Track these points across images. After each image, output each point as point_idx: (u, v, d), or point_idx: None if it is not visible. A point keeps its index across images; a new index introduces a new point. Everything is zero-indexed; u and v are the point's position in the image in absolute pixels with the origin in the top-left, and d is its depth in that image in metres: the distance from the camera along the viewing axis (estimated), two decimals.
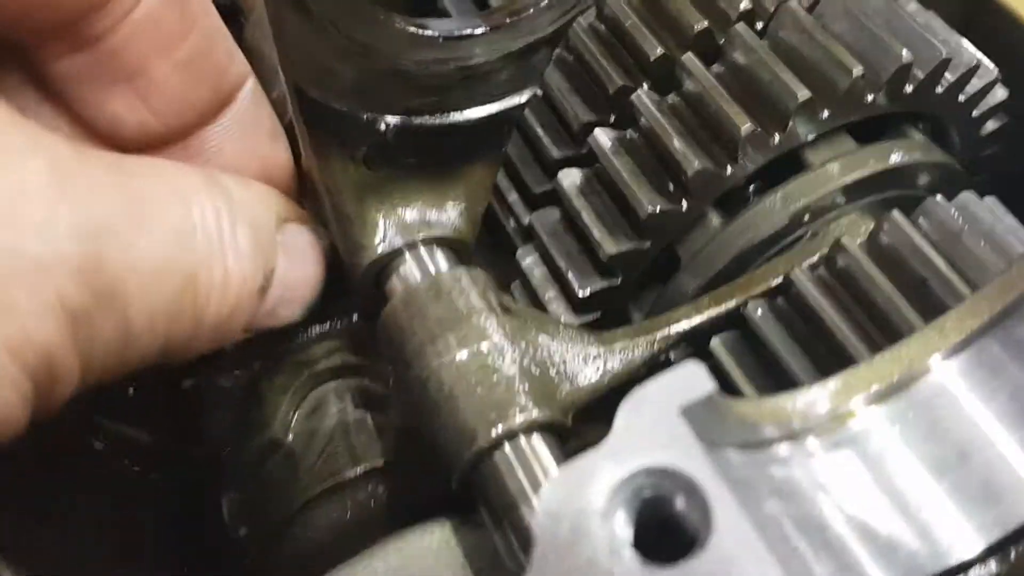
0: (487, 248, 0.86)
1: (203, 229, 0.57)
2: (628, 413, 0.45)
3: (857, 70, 0.71)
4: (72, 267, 0.46)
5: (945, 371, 0.57)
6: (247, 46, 0.92)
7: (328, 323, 0.80)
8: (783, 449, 0.54)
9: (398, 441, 0.75)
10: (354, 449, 0.74)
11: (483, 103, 0.70)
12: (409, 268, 0.74)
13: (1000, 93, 0.84)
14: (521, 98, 0.71)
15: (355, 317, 0.81)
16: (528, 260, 0.83)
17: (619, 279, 0.78)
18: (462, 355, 0.67)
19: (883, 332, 0.70)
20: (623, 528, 0.43)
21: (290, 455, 0.76)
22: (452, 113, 0.71)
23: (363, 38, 0.62)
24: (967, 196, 0.75)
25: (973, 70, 0.79)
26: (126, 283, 0.49)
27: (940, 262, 0.70)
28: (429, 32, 0.64)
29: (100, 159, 0.54)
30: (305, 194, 0.79)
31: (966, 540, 0.53)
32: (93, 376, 0.51)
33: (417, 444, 0.72)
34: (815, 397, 0.57)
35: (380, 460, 0.74)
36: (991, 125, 0.87)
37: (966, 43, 0.81)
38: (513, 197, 0.93)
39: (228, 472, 0.79)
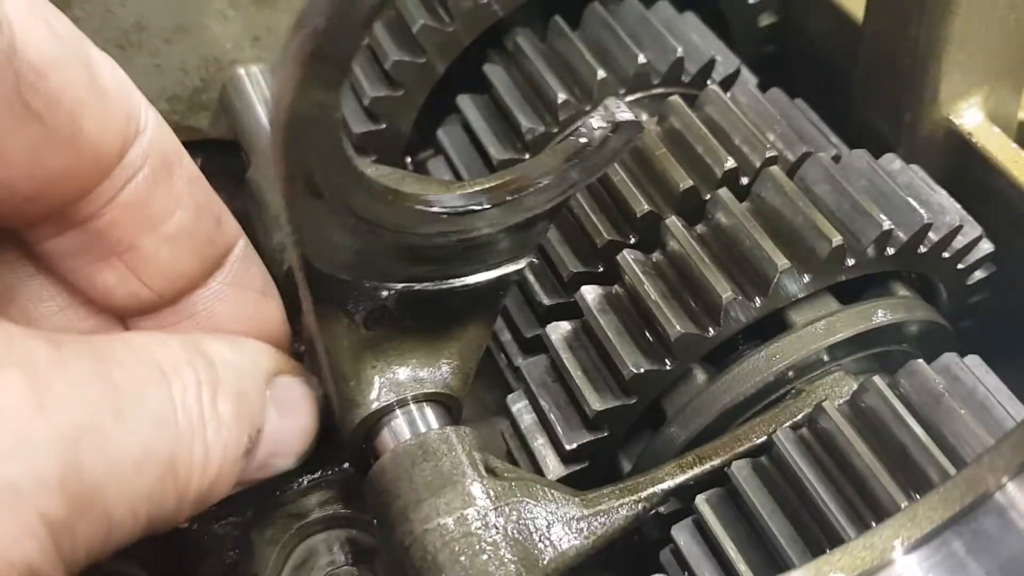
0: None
1: (183, 408, 0.58)
2: None
3: (836, 240, 0.73)
4: (52, 483, 0.47)
5: (906, 568, 0.57)
6: (249, 189, 0.96)
7: (319, 472, 0.81)
8: None
9: None
10: None
11: (482, 271, 0.72)
12: (399, 425, 0.75)
13: (985, 247, 0.85)
14: (519, 265, 0.73)
15: (346, 465, 0.83)
16: (518, 405, 0.84)
17: (606, 432, 0.79)
18: (447, 521, 0.68)
19: (863, 498, 0.70)
20: None
21: None
22: (452, 280, 0.73)
23: (373, 217, 0.64)
24: (949, 358, 0.76)
25: (956, 230, 0.81)
26: (107, 485, 0.51)
27: (919, 430, 0.71)
28: (435, 209, 0.67)
29: (79, 354, 0.54)
30: (302, 343, 0.82)
31: None
32: (76, 568, 0.52)
33: None
34: None
35: None
36: (978, 275, 0.88)
37: (949, 201, 0.83)
38: (506, 337, 0.96)
39: None
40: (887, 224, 0.75)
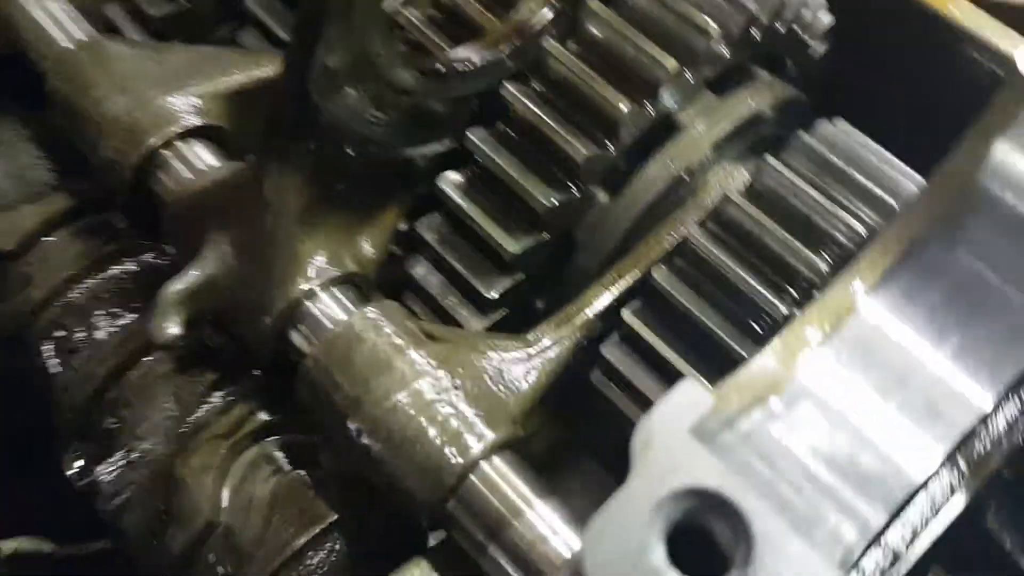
0: None
1: None
2: (642, 445, 0.45)
3: (714, 30, 0.73)
4: None
5: (869, 308, 0.61)
6: (54, 101, 0.83)
7: (230, 386, 0.74)
8: (756, 416, 0.56)
9: (344, 490, 0.72)
10: (302, 511, 0.70)
11: (415, 144, 0.69)
12: (318, 314, 0.70)
13: (826, 19, 0.88)
14: (441, 147, 0.69)
15: (257, 372, 0.76)
16: (420, 270, 0.81)
17: (524, 275, 0.78)
18: (402, 397, 0.65)
19: (782, 273, 0.73)
20: (662, 560, 0.44)
21: (229, 533, 0.71)
22: (397, 150, 0.69)
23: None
24: (825, 126, 0.79)
25: (803, 3, 0.83)
26: None
27: (818, 195, 0.74)
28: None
29: None
30: None
31: (923, 459, 0.58)
32: None
33: (366, 490, 0.70)
34: (764, 362, 0.59)
35: (332, 515, 0.71)
36: (820, 48, 0.91)
37: None
38: None
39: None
40: (754, 8, 0.76)
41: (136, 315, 0.78)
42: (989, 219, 0.63)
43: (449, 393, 0.66)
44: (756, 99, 0.81)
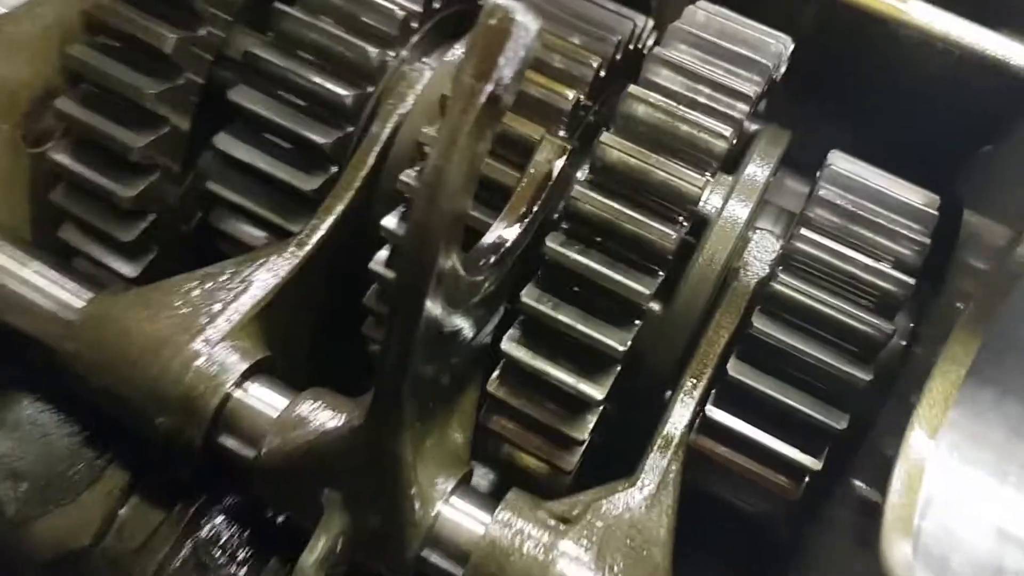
0: None
1: None
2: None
3: (727, 130, 0.74)
4: None
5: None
6: None
7: None
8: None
9: None
10: None
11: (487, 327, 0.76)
12: (453, 536, 0.70)
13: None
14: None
15: None
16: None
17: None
18: None
19: (845, 337, 0.77)
20: None
21: None
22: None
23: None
24: (832, 167, 0.82)
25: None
26: None
27: (853, 253, 0.78)
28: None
29: None
30: None
31: None
32: None
33: None
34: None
35: None
36: None
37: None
38: None
39: None
40: (754, 88, 0.77)
41: (247, 565, 0.77)
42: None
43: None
44: (764, 162, 0.83)
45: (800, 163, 0.89)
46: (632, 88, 0.76)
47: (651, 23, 0.88)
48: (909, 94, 0.92)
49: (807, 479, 0.78)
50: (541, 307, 0.76)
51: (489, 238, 0.71)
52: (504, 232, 0.71)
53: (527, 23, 0.51)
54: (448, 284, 0.59)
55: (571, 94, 0.77)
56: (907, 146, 0.89)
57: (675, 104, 0.76)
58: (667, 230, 0.73)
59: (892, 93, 0.93)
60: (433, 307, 0.58)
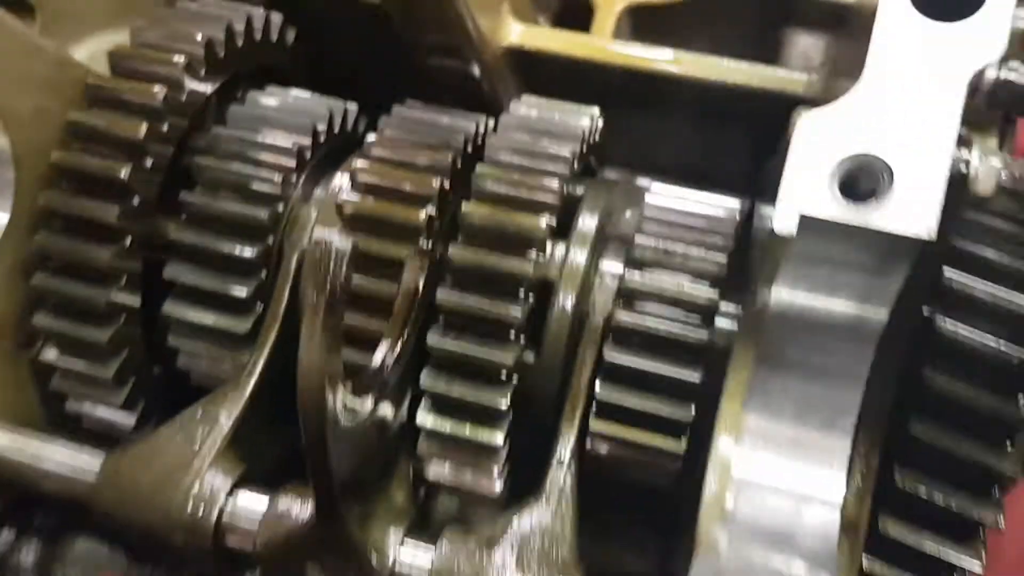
0: None
1: None
2: None
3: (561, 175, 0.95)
4: None
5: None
6: None
7: None
8: None
9: None
10: None
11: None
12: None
13: None
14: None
15: None
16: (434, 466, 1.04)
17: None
18: None
19: (681, 346, 0.98)
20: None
21: None
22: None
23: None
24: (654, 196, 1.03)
25: None
26: None
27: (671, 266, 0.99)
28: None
29: None
30: None
31: None
32: None
33: None
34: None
35: None
36: None
37: None
38: None
39: None
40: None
41: None
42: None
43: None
44: (591, 215, 1.03)
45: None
46: (464, 205, 0.97)
47: (492, 121, 1.08)
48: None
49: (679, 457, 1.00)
50: (439, 385, 0.98)
51: (375, 361, 0.93)
52: (384, 355, 0.93)
53: (342, 246, 0.73)
54: (345, 410, 0.82)
55: (422, 214, 0.98)
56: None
57: (502, 193, 0.96)
58: (512, 309, 0.95)
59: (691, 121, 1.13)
60: (334, 431, 0.80)
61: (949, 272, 0.82)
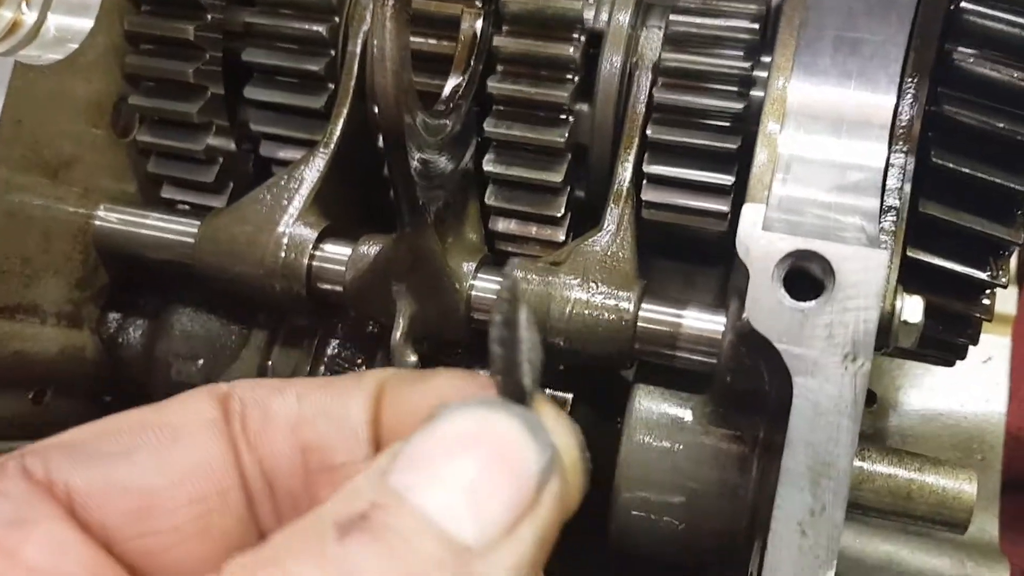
0: None
1: None
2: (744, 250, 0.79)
3: None
4: None
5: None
6: None
7: None
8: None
9: None
10: None
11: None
12: (487, 294, 1.03)
13: None
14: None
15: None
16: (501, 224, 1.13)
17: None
18: (572, 308, 0.99)
19: (727, 81, 1.05)
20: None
21: None
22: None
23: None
24: None
25: None
26: None
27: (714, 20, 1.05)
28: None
29: None
30: None
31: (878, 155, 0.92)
32: None
33: None
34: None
35: None
36: None
37: None
38: None
39: None
40: None
41: (363, 366, 1.11)
42: None
43: (596, 288, 1.00)
44: None
45: None
46: None
47: None
48: None
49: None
50: (499, 130, 1.06)
51: (445, 92, 1.01)
52: (453, 84, 1.01)
53: None
54: (419, 125, 0.90)
55: None
56: None
57: None
58: (566, 46, 1.02)
59: None
60: (412, 137, 0.88)
61: None
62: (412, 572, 0.47)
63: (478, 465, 0.53)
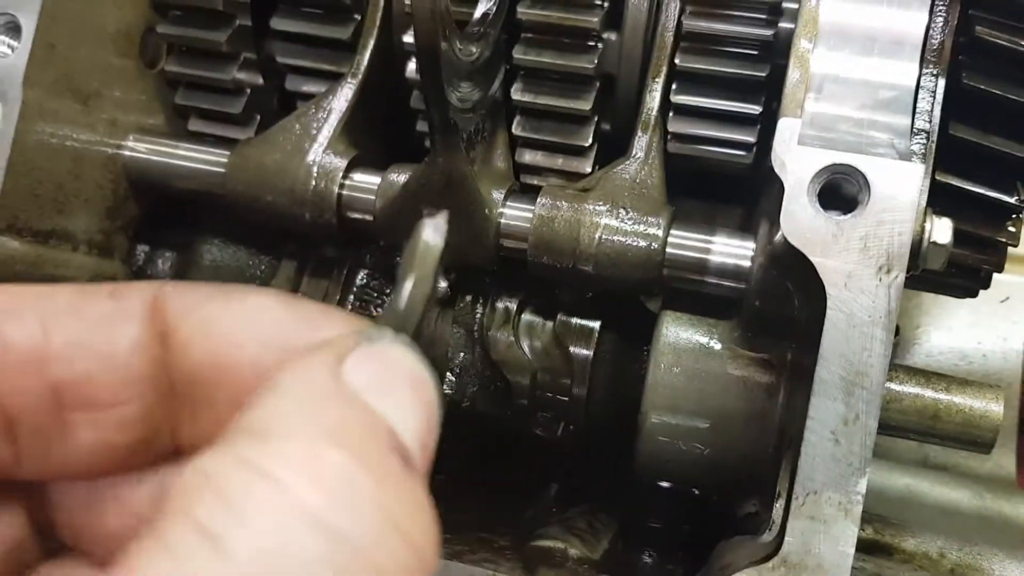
0: None
1: None
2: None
3: None
4: None
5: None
6: None
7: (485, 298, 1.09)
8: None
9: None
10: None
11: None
12: (517, 223, 1.03)
13: None
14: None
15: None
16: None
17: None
18: (601, 235, 1.00)
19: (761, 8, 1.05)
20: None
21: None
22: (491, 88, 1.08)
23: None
24: None
25: None
26: None
27: None
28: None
29: None
30: None
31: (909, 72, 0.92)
32: None
33: None
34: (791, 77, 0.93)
35: None
36: None
37: None
38: None
39: None
40: None
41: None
42: None
43: (625, 214, 1.00)
44: None
45: None
46: None
47: None
48: None
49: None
50: (528, 56, 1.06)
51: (474, 17, 1.01)
52: (483, 9, 1.01)
53: None
54: (451, 49, 0.90)
55: None
56: None
57: None
58: None
59: None
60: (445, 64, 0.89)
61: None
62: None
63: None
